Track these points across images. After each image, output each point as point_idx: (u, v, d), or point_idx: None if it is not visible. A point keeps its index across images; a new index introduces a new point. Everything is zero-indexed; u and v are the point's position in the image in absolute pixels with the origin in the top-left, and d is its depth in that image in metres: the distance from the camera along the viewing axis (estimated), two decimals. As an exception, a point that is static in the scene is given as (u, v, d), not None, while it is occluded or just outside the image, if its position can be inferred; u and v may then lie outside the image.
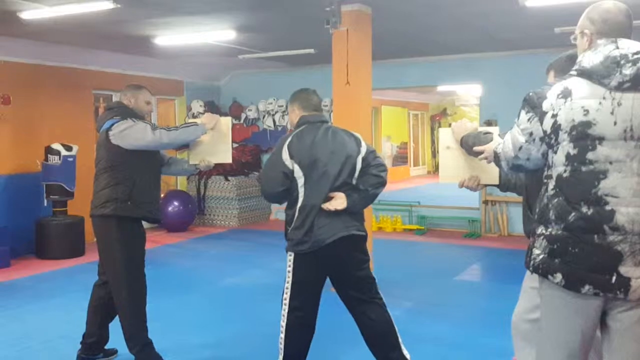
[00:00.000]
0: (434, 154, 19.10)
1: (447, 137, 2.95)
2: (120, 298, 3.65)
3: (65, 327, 4.56)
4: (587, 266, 2.03)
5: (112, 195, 3.57)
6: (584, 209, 2.02)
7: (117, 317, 3.78)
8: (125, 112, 3.68)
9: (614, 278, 2.00)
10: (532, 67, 6.97)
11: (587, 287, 2.04)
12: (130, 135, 3.55)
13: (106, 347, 3.92)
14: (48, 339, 4.39)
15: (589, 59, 2.08)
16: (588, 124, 2.02)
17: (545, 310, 2.22)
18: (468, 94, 15.10)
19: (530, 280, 2.76)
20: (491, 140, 2.61)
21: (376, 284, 3.27)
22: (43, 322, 4.81)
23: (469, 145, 2.74)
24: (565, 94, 2.07)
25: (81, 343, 3.86)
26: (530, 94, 2.17)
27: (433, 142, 19.05)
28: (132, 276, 3.64)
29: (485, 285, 6.31)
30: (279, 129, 10.21)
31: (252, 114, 10.41)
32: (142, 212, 3.65)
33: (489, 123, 8.53)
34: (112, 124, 3.59)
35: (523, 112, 2.18)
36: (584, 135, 2.03)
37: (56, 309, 5.14)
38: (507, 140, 2.26)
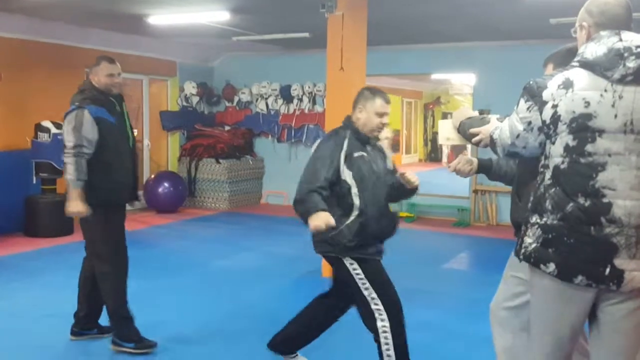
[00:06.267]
0: (426, 142, 19.12)
1: (446, 128, 2.89)
2: (101, 274, 3.70)
3: (54, 305, 4.56)
4: (581, 257, 2.03)
5: None
6: (581, 201, 2.02)
7: None
8: (83, 97, 3.65)
9: (607, 270, 2.00)
10: (526, 57, 6.98)
11: (580, 277, 2.03)
12: (64, 134, 3.62)
13: (103, 325, 3.95)
14: (36, 317, 4.39)
15: (592, 50, 2.05)
16: (588, 116, 2.01)
17: (535, 300, 2.22)
18: (462, 83, 15.08)
19: (512, 268, 2.79)
20: (488, 123, 2.56)
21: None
22: (31, 299, 4.81)
23: (465, 128, 2.68)
24: (567, 85, 2.05)
25: (74, 316, 3.91)
26: (531, 82, 2.15)
27: (425, 130, 19.05)
28: (112, 252, 3.68)
29: (473, 273, 6.37)
30: (272, 112, 10.17)
31: (245, 97, 10.36)
32: (101, 198, 3.61)
33: (482, 113, 8.51)
34: (67, 114, 3.64)
35: (522, 101, 2.15)
36: (584, 127, 2.01)
37: (45, 287, 5.14)
38: (504, 127, 2.24)
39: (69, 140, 3.55)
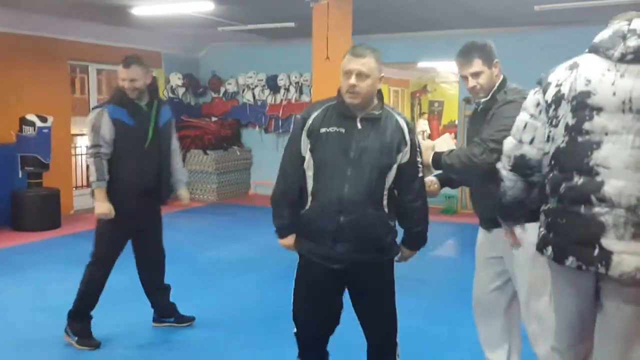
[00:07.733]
0: (413, 130, 19.16)
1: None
2: (86, 266, 3.73)
3: (42, 299, 4.54)
4: (572, 238, 2.04)
5: None
6: (576, 179, 2.03)
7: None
8: (111, 96, 3.72)
9: (596, 251, 1.99)
10: (511, 45, 7.01)
11: (570, 259, 2.04)
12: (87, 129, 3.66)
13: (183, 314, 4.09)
14: (24, 311, 4.37)
15: (600, 35, 2.11)
16: (588, 94, 2.03)
17: (551, 282, 2.29)
18: (448, 71, 15.10)
19: (484, 251, 2.86)
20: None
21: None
22: (19, 293, 4.79)
23: (447, 164, 2.73)
24: (572, 67, 2.10)
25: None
26: (542, 74, 2.21)
27: (413, 118, 19.10)
28: (102, 252, 3.71)
29: (460, 260, 6.41)
30: (259, 103, 10.14)
31: (231, 88, 10.31)
32: (113, 202, 3.59)
33: (467, 101, 8.59)
34: (91, 112, 3.73)
35: (531, 92, 2.22)
36: (583, 105, 2.04)
37: (32, 281, 5.11)
38: (507, 137, 2.28)
39: (89, 140, 3.61)
